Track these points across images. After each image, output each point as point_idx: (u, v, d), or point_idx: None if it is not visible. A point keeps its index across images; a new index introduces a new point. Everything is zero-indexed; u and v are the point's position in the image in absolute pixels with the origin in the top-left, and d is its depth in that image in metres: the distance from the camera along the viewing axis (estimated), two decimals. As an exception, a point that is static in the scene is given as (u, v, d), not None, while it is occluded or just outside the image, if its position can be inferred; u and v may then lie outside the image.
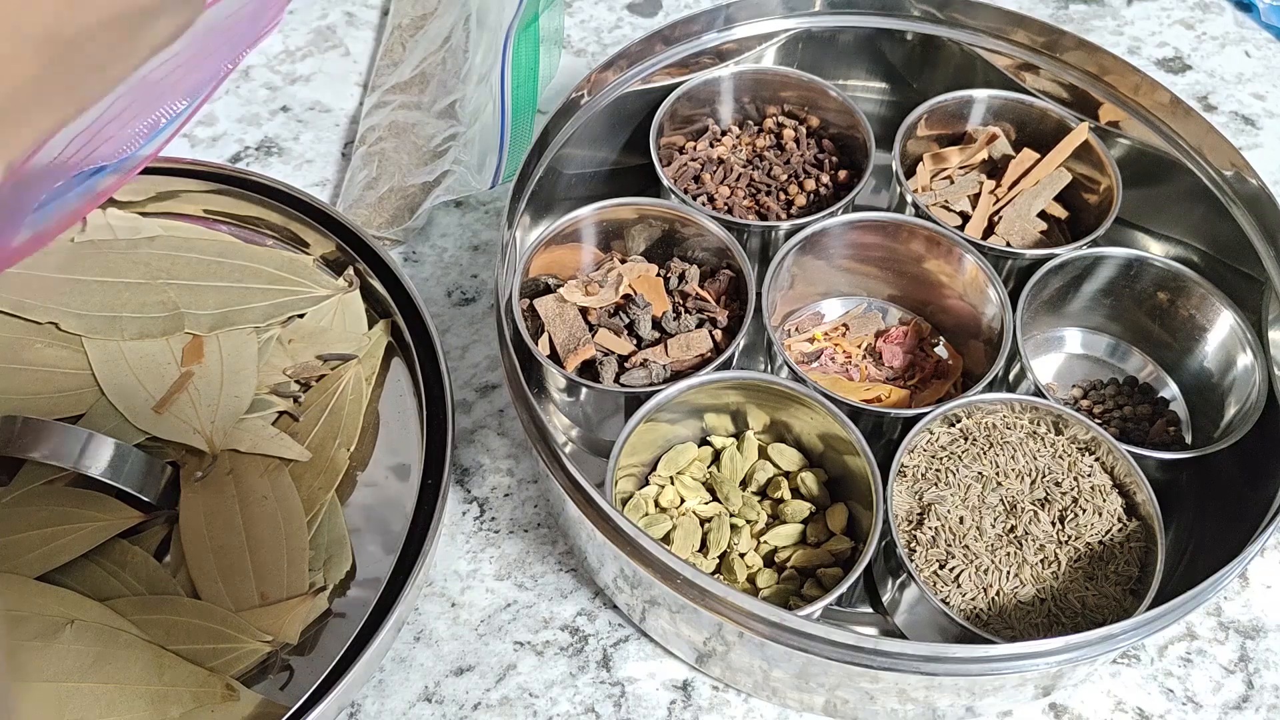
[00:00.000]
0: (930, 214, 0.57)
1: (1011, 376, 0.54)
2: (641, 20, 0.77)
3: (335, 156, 0.68)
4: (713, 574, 0.43)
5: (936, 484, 0.50)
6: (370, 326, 0.55)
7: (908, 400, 0.55)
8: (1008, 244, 0.58)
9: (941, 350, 0.58)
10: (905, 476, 0.50)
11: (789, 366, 0.51)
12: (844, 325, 0.59)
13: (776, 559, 0.50)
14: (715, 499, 0.51)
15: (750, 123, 0.64)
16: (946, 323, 0.58)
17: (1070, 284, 0.57)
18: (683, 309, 0.57)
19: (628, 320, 0.55)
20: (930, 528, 0.48)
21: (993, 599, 0.47)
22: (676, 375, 0.51)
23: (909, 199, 0.57)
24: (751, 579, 0.49)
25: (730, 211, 0.60)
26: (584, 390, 0.52)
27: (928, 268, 0.57)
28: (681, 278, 0.57)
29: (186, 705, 0.43)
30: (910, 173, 0.61)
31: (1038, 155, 0.61)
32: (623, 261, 0.57)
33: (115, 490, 0.47)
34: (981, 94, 0.61)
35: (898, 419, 0.51)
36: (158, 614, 0.46)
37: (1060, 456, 0.51)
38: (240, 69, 0.71)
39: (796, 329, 0.59)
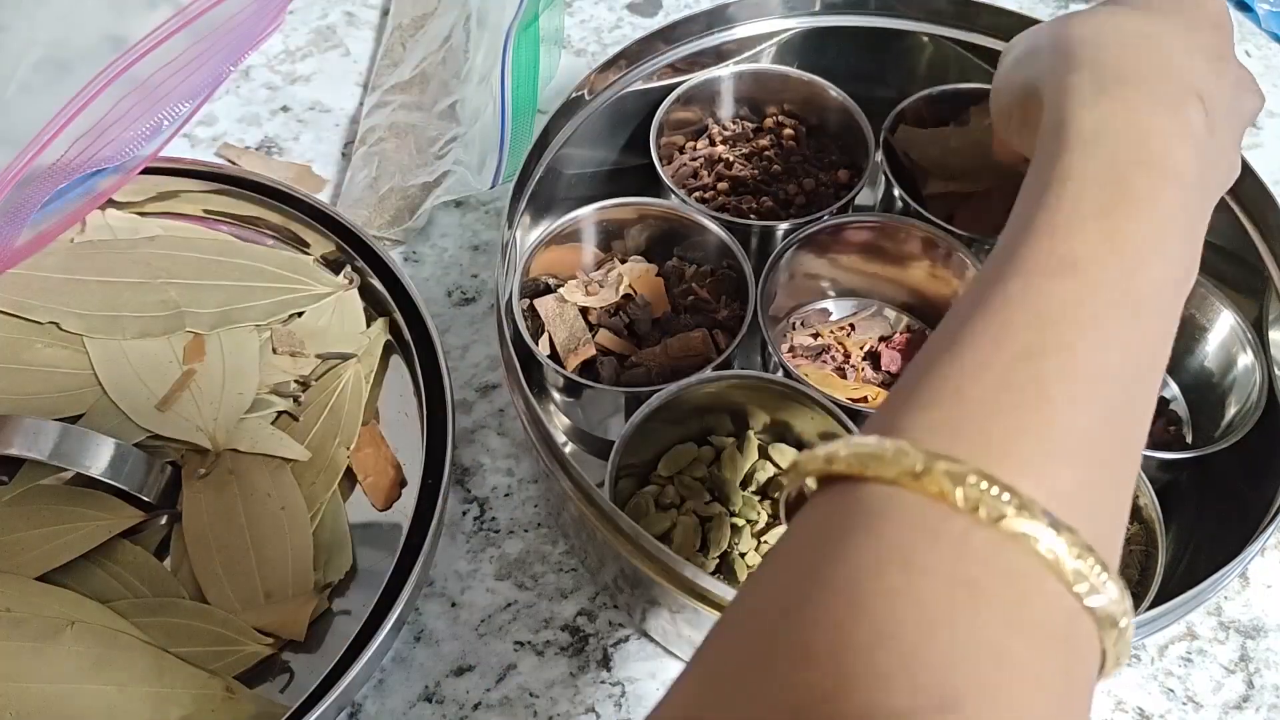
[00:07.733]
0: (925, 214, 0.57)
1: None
2: (641, 20, 0.77)
3: (335, 156, 0.68)
4: (713, 574, 0.43)
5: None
6: (369, 325, 0.55)
7: None
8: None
9: None
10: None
11: (784, 368, 0.51)
12: (850, 325, 0.59)
13: (777, 559, 0.50)
14: (715, 499, 0.51)
15: (750, 122, 0.64)
16: None
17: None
18: (683, 309, 0.57)
19: (628, 320, 0.55)
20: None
21: (993, 599, 0.47)
22: (676, 375, 0.51)
23: (895, 194, 0.57)
24: (752, 579, 0.49)
25: (730, 211, 0.60)
26: (584, 390, 0.52)
27: (927, 270, 0.57)
28: (681, 278, 0.57)
29: (187, 707, 0.43)
30: (898, 169, 0.60)
31: None
32: (623, 261, 0.57)
33: (115, 490, 0.47)
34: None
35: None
36: (158, 616, 0.46)
37: (1060, 456, 0.50)
38: (240, 69, 0.71)
39: (802, 323, 0.59)
